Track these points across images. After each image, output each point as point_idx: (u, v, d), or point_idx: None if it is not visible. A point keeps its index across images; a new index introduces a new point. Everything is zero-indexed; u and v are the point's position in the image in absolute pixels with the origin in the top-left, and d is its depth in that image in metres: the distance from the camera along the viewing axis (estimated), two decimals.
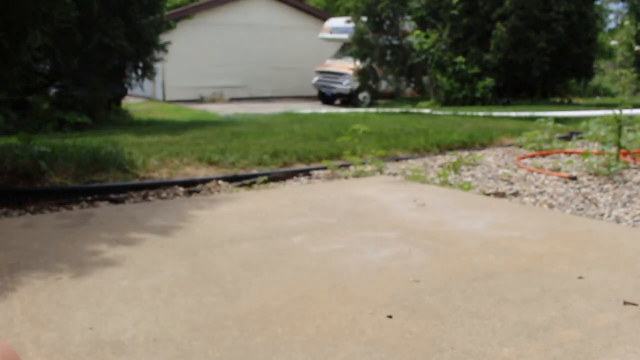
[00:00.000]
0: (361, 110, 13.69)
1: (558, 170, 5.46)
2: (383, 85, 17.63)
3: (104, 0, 9.75)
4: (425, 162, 6.11)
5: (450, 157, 6.20)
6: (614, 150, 5.38)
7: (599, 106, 11.55)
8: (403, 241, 3.15)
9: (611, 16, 25.64)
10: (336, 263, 2.83)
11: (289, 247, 3.09)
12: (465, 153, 6.16)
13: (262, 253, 2.98)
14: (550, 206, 4.28)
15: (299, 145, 6.24)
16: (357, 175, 5.27)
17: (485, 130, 7.86)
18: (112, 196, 4.47)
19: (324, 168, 5.49)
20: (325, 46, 19.31)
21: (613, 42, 23.39)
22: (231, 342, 2.02)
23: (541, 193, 4.64)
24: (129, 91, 12.89)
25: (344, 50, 18.00)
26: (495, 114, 10.89)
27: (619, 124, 5.32)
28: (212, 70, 19.19)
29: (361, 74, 16.95)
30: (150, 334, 2.07)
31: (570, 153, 6.32)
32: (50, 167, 4.74)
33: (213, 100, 18.88)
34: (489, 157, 6.31)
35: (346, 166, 5.49)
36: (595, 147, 6.51)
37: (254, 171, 5.31)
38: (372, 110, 13.18)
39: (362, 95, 17.29)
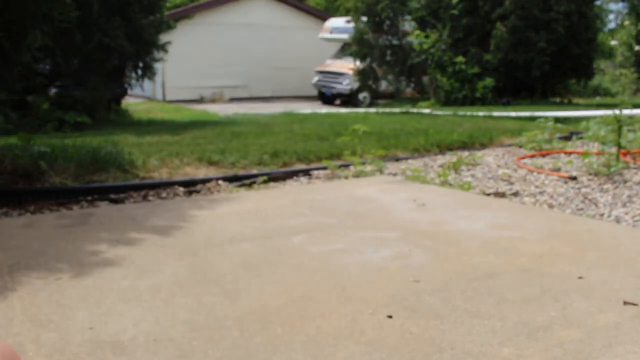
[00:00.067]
0: (361, 110, 13.69)
1: (558, 170, 5.46)
2: (383, 85, 17.63)
3: (104, 0, 9.74)
4: (425, 162, 6.11)
5: (450, 157, 6.20)
6: (614, 150, 5.38)
7: (599, 106, 11.55)
8: (403, 241, 3.15)
9: (611, 16, 25.67)
10: (336, 263, 2.83)
11: (289, 247, 3.09)
12: (465, 153, 6.16)
13: (262, 253, 2.98)
14: (550, 206, 4.28)
15: (299, 145, 6.24)
16: (357, 175, 5.27)
17: (485, 130, 7.86)
18: (112, 196, 4.47)
19: (324, 168, 5.49)
20: (325, 46, 19.30)
21: (613, 42, 23.39)
22: (231, 342, 2.02)
23: (541, 193, 4.64)
24: (129, 91, 12.88)
25: (344, 50, 17.99)
26: (495, 114, 10.89)
27: (619, 124, 5.32)
28: (212, 70, 19.19)
29: (361, 74, 16.95)
30: (150, 334, 2.07)
31: (570, 153, 6.33)
32: (50, 167, 4.74)
33: (213, 100, 18.87)
34: (489, 157, 6.31)
35: (346, 166, 5.49)
36: (595, 147, 6.51)
37: (254, 171, 5.32)
38: (372, 110, 13.18)
39: (362, 95, 17.29)
